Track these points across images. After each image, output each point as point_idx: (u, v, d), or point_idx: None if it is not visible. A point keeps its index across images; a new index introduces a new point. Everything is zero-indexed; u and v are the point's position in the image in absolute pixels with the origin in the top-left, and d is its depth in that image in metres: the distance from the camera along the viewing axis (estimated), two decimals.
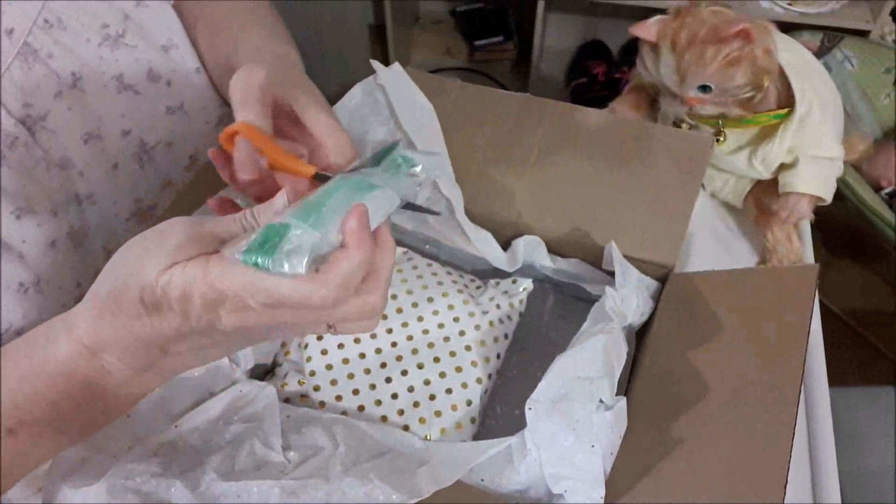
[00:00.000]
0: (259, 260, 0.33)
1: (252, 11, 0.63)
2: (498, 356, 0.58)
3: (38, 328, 0.39)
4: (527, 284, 0.63)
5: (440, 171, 0.45)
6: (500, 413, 0.56)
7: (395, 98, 0.64)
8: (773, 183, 0.71)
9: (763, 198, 0.73)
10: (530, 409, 0.46)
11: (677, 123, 0.75)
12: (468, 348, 0.56)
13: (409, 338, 0.56)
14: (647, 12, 0.71)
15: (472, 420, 0.54)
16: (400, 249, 0.65)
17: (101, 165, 0.58)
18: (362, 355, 0.55)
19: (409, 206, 0.44)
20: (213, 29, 0.62)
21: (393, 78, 0.66)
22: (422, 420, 0.52)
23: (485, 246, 0.61)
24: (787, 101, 0.68)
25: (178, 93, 0.63)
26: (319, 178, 0.42)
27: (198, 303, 0.34)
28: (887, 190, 1.20)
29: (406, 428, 0.52)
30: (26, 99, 0.52)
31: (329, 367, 0.55)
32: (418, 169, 0.44)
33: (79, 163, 0.57)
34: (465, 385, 0.54)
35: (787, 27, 1.18)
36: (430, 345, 0.56)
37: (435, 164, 0.44)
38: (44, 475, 0.43)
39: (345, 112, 0.65)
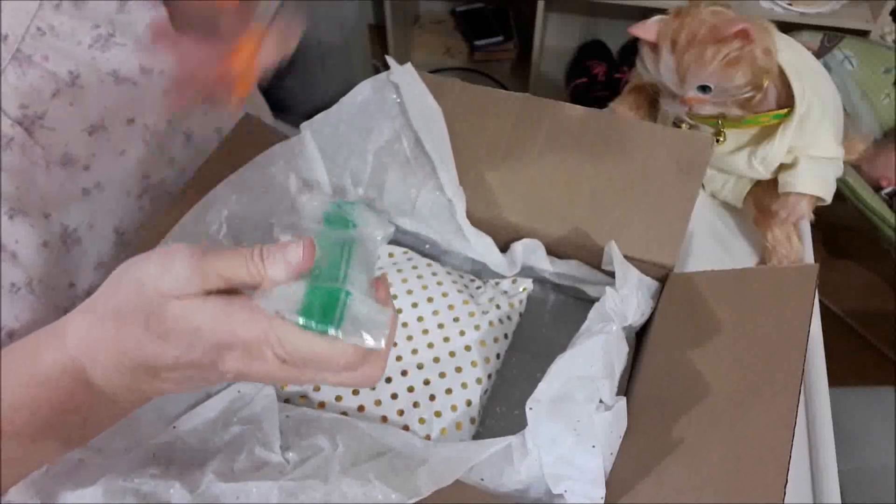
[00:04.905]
0: (327, 327, 0.33)
1: None
2: (498, 356, 0.58)
3: (32, 334, 0.38)
4: (527, 285, 0.63)
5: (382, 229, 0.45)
6: (500, 413, 0.56)
7: (408, 97, 0.64)
8: (773, 183, 0.71)
9: (763, 198, 0.73)
10: (530, 409, 0.46)
11: (677, 123, 0.75)
12: (468, 348, 0.56)
13: (409, 338, 0.56)
14: (647, 12, 0.71)
15: (472, 420, 0.54)
16: (400, 249, 0.65)
17: (108, 154, 0.59)
18: None
19: None
20: None
21: (404, 77, 0.65)
22: (421, 420, 0.52)
23: (484, 250, 0.61)
24: (787, 101, 0.68)
25: (171, 78, 0.63)
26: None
27: (210, 342, 0.34)
28: (887, 190, 1.20)
29: (406, 428, 0.52)
30: (23, 100, 0.52)
31: None
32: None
33: (83, 156, 0.57)
34: (464, 385, 0.54)
35: (787, 27, 1.17)
36: (430, 345, 0.56)
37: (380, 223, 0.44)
38: (41, 476, 0.43)
39: (350, 107, 0.64)
